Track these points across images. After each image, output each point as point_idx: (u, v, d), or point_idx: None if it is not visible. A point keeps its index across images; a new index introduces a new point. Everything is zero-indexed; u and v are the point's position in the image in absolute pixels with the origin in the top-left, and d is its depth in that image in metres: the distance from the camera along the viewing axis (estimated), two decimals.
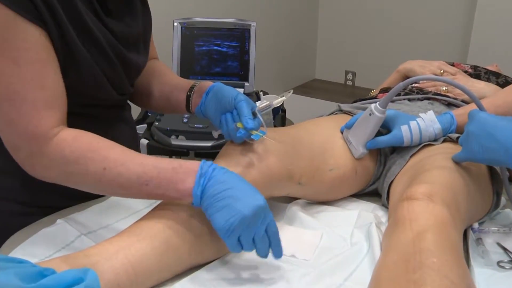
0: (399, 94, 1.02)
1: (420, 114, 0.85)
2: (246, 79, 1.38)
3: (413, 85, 1.08)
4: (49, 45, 0.61)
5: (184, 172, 0.60)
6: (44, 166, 0.62)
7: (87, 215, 0.76)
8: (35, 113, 0.60)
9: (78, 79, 0.67)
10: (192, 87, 0.80)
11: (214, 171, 0.60)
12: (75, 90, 0.68)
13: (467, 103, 0.98)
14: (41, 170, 0.63)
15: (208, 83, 0.78)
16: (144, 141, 1.24)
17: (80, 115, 0.72)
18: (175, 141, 1.21)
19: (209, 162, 0.62)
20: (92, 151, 0.61)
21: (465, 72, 1.15)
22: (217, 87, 0.76)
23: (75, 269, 0.53)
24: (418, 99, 1.00)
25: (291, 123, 1.48)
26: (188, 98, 0.80)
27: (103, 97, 0.73)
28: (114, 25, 0.70)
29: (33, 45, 0.59)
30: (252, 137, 0.71)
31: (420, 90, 1.05)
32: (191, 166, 0.61)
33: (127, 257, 0.58)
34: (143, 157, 0.62)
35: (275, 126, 1.34)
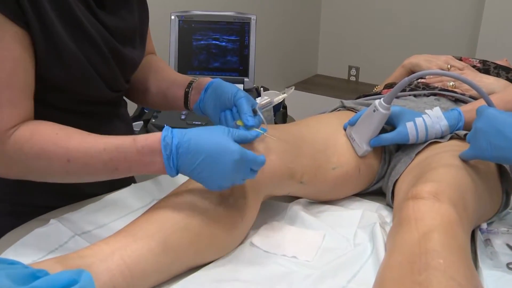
0: (404, 90, 1.00)
1: (426, 111, 0.84)
2: (246, 75, 1.36)
3: (419, 80, 1.07)
4: (26, 44, 0.60)
5: (149, 153, 0.59)
6: (4, 164, 0.61)
7: (82, 214, 0.75)
8: None
9: (66, 77, 0.66)
10: (190, 83, 0.79)
11: (180, 148, 0.59)
12: (67, 88, 0.67)
13: (475, 99, 0.97)
14: (2, 169, 0.62)
15: (207, 79, 0.77)
16: None
17: (74, 112, 0.71)
18: None
19: (168, 139, 0.59)
20: (52, 143, 0.59)
21: (474, 66, 1.14)
22: (216, 84, 0.75)
23: (69, 270, 0.52)
24: (424, 95, 0.99)
25: (293, 120, 1.47)
26: (186, 94, 0.79)
27: (96, 94, 0.72)
28: (108, 19, 0.69)
29: (8, 44, 0.58)
30: None
31: (426, 86, 1.03)
32: (154, 145, 0.59)
33: (123, 258, 0.57)
34: (105, 140, 0.60)
35: (276, 123, 1.33)
